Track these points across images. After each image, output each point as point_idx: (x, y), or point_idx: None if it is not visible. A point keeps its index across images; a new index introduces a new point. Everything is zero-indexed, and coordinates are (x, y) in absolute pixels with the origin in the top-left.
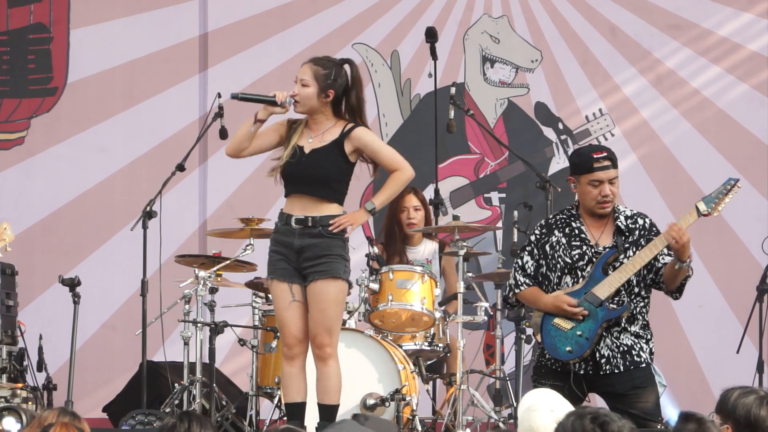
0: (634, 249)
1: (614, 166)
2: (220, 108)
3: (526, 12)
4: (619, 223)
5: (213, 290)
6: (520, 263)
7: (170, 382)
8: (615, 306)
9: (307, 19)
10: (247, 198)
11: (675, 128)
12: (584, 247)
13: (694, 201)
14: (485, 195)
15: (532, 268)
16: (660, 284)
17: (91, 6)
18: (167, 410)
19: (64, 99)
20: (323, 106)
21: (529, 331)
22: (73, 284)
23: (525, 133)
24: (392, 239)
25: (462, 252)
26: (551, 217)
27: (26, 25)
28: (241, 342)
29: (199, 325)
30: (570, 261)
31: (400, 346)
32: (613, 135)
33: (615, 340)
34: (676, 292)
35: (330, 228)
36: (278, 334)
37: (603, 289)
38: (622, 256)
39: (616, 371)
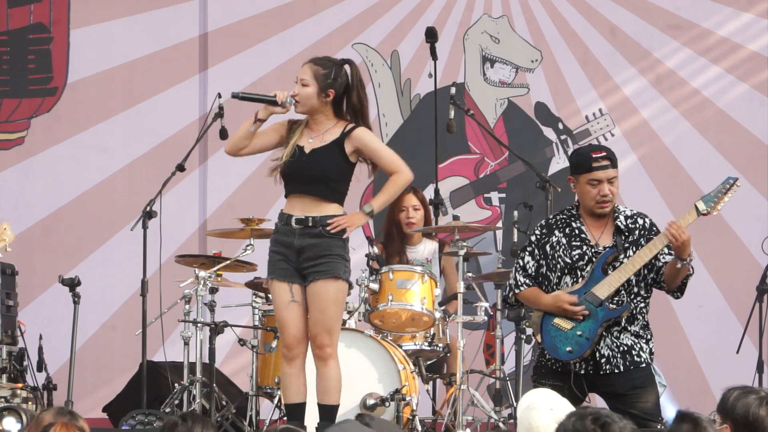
0: (634, 249)
1: (613, 165)
2: (220, 108)
3: (526, 12)
4: (619, 223)
5: (213, 290)
6: (521, 263)
7: (170, 382)
8: (615, 306)
9: (307, 19)
10: (247, 198)
11: (675, 128)
12: (584, 247)
13: (694, 201)
14: (485, 195)
15: (532, 269)
16: (661, 284)
17: (91, 6)
18: (167, 410)
19: (64, 99)
20: (323, 106)
21: (529, 331)
22: (73, 284)
23: (525, 133)
24: (392, 239)
25: (462, 252)
26: (551, 217)
27: (26, 25)
28: (241, 342)
29: (199, 325)
30: (570, 261)
31: (400, 346)
32: (613, 135)
33: (615, 340)
34: (678, 291)
35: (327, 228)
36: (278, 334)
37: (603, 289)
38: (621, 256)
39: (616, 371)
